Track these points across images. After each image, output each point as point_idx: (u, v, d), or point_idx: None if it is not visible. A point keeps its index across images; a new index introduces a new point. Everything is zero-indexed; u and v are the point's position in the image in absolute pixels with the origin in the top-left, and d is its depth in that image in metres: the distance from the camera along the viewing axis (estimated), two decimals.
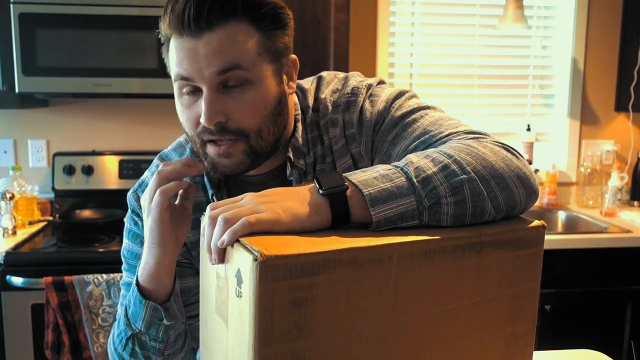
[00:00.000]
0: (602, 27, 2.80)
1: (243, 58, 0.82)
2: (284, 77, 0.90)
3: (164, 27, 0.84)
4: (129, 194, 1.01)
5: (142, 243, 0.97)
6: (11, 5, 2.06)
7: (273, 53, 0.86)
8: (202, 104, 0.82)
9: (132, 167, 2.47)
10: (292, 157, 0.93)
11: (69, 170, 2.44)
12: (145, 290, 0.89)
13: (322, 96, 0.96)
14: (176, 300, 0.91)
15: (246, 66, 0.82)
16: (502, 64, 2.83)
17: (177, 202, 0.88)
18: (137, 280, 0.89)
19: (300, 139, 0.94)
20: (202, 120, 0.82)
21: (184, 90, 0.85)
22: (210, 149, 0.87)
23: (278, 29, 0.86)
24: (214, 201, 0.90)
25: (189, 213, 0.89)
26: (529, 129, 2.74)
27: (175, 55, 0.83)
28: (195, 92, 0.84)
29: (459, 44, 2.78)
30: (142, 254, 0.89)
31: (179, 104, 0.88)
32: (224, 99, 0.83)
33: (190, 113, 0.86)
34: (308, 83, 0.99)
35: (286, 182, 0.95)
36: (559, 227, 2.66)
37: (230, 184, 0.98)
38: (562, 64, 2.83)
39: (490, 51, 2.81)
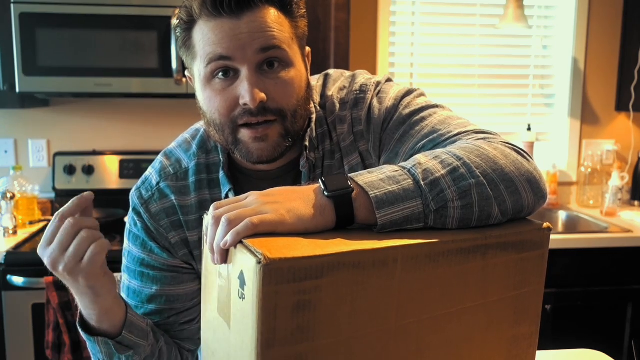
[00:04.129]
0: (602, 27, 2.80)
1: (282, 38, 0.84)
2: (307, 64, 0.93)
3: (195, 8, 0.83)
4: (132, 192, 0.99)
5: (141, 245, 0.97)
6: (12, 5, 2.06)
7: (299, 39, 0.89)
8: (241, 85, 0.83)
9: (133, 166, 2.47)
10: (308, 147, 0.93)
11: (70, 170, 2.44)
12: (95, 329, 0.87)
13: (329, 93, 0.96)
14: (132, 330, 0.89)
15: (285, 47, 0.84)
16: (502, 64, 2.83)
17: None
18: (80, 320, 0.87)
19: (314, 131, 0.94)
20: (245, 100, 0.82)
21: (218, 73, 0.84)
22: (245, 134, 0.86)
23: (301, 17, 0.89)
24: (229, 198, 0.89)
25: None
26: (529, 129, 2.73)
27: (212, 36, 0.82)
28: (229, 75, 0.84)
29: (460, 43, 2.77)
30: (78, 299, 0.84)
31: (209, 90, 0.86)
32: (263, 79, 0.84)
33: (224, 97, 0.85)
34: (314, 80, 0.99)
35: (298, 178, 0.94)
36: (560, 227, 2.66)
37: (241, 180, 0.97)
38: (562, 63, 2.83)
39: (491, 51, 2.81)
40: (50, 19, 2.08)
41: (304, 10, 0.90)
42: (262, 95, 0.83)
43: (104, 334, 0.87)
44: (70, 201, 0.77)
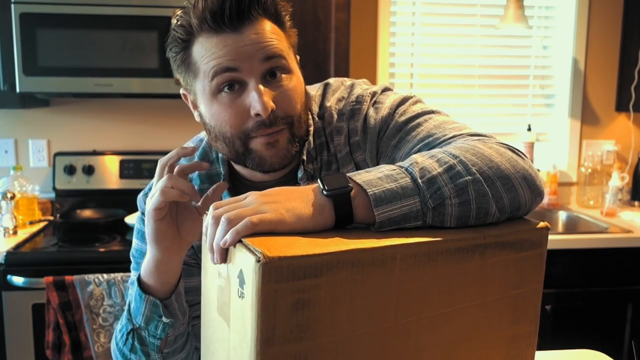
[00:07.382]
0: (602, 27, 2.80)
1: (282, 48, 0.87)
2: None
3: (195, 25, 0.84)
4: (139, 197, 1.01)
5: None
6: (12, 5, 2.06)
7: (293, 48, 0.92)
8: (250, 96, 0.84)
9: (133, 167, 2.46)
10: (305, 159, 0.94)
11: (70, 170, 2.44)
12: (146, 286, 0.90)
13: (328, 104, 0.97)
14: (178, 299, 0.92)
15: (285, 55, 0.87)
16: (502, 64, 2.83)
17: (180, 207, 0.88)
18: (139, 275, 0.91)
19: (312, 143, 0.95)
20: (257, 109, 0.84)
21: (224, 87, 0.86)
22: (258, 141, 0.87)
23: (290, 28, 0.92)
24: None
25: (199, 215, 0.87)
26: (529, 129, 2.74)
27: (216, 50, 0.84)
28: (234, 89, 0.86)
29: (460, 44, 2.78)
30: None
31: (217, 105, 0.87)
32: (269, 89, 0.86)
33: (234, 110, 0.86)
34: (314, 89, 1.00)
35: None
36: (560, 227, 2.66)
37: (241, 190, 0.97)
38: (562, 63, 2.83)
39: (491, 51, 2.81)
40: (50, 19, 2.08)
41: (291, 22, 0.93)
42: (272, 104, 0.85)
43: (154, 294, 0.90)
44: (174, 151, 0.88)
